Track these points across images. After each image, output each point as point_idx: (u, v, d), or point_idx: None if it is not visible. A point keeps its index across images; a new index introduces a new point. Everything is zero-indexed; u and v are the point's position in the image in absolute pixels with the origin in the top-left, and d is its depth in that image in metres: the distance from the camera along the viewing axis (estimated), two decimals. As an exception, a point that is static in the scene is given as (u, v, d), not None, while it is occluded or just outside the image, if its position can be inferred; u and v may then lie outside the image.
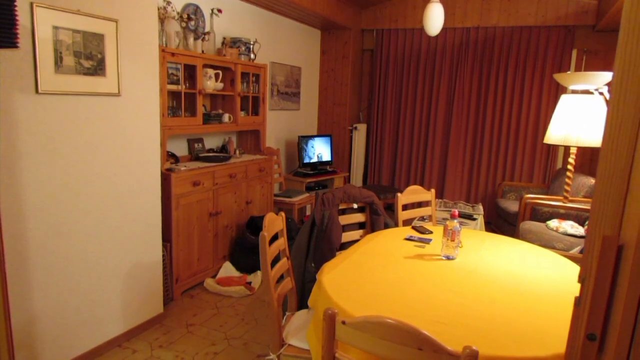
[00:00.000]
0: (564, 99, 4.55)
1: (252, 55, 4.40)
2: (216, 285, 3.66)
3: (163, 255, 3.25)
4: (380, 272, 2.03)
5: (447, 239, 2.25)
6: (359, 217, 2.84)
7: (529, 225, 4.38)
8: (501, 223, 5.36)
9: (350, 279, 1.93)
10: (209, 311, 3.31)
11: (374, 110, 6.47)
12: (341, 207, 2.75)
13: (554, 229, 4.26)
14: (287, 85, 5.57)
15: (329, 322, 1.23)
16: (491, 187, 5.99)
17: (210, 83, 3.84)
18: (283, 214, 2.26)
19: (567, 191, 4.65)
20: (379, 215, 2.82)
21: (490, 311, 1.70)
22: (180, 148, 3.99)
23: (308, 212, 5.25)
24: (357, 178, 6.47)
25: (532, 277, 2.08)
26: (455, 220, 2.25)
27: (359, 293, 1.81)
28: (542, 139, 5.68)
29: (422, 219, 3.91)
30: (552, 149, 5.65)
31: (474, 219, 4.19)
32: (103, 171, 2.60)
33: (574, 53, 5.52)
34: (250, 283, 3.74)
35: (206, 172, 3.65)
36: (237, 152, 4.33)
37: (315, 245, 2.57)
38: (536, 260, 2.31)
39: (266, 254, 1.92)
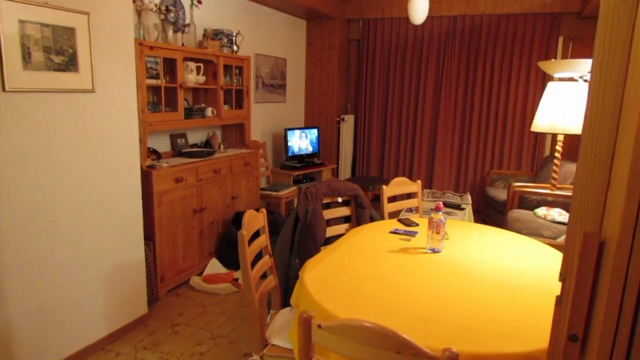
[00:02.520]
0: (550, 86, 4.52)
1: (234, 47, 4.31)
2: (202, 283, 3.60)
3: (146, 255, 3.19)
4: (364, 268, 1.99)
5: (432, 232, 2.21)
6: (344, 211, 2.80)
7: (517, 213, 4.37)
8: (490, 212, 5.35)
9: (333, 276, 1.89)
10: (195, 310, 3.26)
11: (361, 101, 6.41)
12: (325, 201, 2.70)
13: (542, 216, 4.25)
14: (273, 77, 5.49)
15: (304, 326, 1.19)
16: (480, 175, 5.98)
17: (191, 77, 3.76)
18: (264, 210, 2.20)
19: (554, 179, 4.64)
20: (365, 209, 2.77)
21: (475, 306, 1.66)
22: (162, 144, 3.91)
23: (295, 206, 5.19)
24: (345, 170, 6.42)
25: (519, 270, 2.04)
26: (440, 213, 2.21)
27: (341, 291, 1.76)
28: (530, 127, 5.66)
29: (410, 210, 3.87)
30: (540, 136, 5.64)
31: (462, 209, 4.16)
32: (79, 170, 2.53)
33: (560, 40, 5.48)
34: (237, 279, 3.69)
35: (189, 167, 3.58)
36: (222, 146, 4.26)
37: (300, 240, 2.52)
38: (523, 252, 2.28)
39: (245, 253, 1.87)
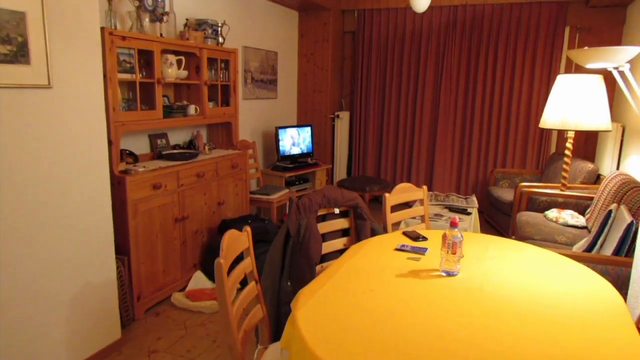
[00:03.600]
0: (560, 79, 4.20)
1: (220, 39, 3.95)
2: (185, 299, 3.26)
3: (119, 271, 2.84)
4: (368, 300, 1.65)
5: (447, 252, 1.88)
6: (342, 223, 2.46)
7: (526, 216, 4.06)
8: (494, 213, 5.04)
9: (331, 312, 1.55)
10: (175, 333, 2.91)
11: (356, 97, 6.06)
12: (320, 212, 2.36)
13: (554, 219, 3.94)
14: (263, 71, 5.13)
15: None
16: (482, 174, 5.66)
17: (171, 71, 3.40)
18: (248, 229, 1.86)
19: (564, 178, 4.33)
20: (365, 220, 2.44)
21: (508, 345, 1.33)
22: (140, 145, 3.55)
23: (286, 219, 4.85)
24: (340, 169, 6.08)
25: (552, 295, 1.72)
26: (457, 229, 1.88)
27: (341, 332, 1.43)
28: (535, 122, 5.34)
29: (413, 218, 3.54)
30: (546, 133, 5.33)
31: (469, 214, 3.84)
32: (35, 179, 2.17)
33: (567, 31, 5.16)
34: (223, 295, 3.34)
35: (169, 172, 3.22)
36: (207, 147, 3.90)
37: (291, 260, 2.18)
38: (552, 271, 1.95)
39: (224, 288, 1.54)
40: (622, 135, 4.49)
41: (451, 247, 1.87)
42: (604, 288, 1.81)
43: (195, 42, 3.60)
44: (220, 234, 3.60)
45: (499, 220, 4.91)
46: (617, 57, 1.88)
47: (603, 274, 2.64)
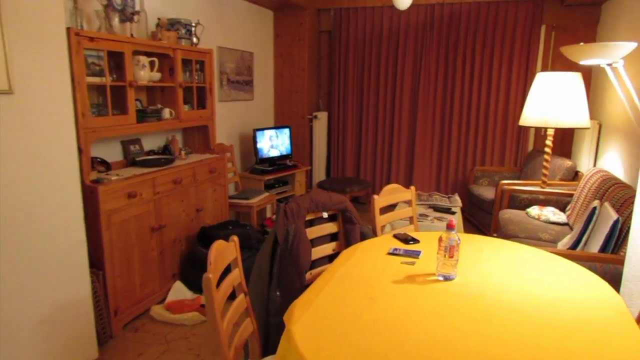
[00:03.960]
0: (540, 77, 4.22)
1: (194, 39, 3.80)
2: (165, 312, 3.10)
3: (94, 287, 2.67)
4: (367, 310, 1.56)
5: (445, 255, 1.80)
6: (331, 228, 2.36)
7: (508, 214, 4.05)
8: (476, 211, 5.03)
9: (328, 326, 1.45)
10: (156, 348, 2.76)
11: (334, 97, 5.98)
12: (308, 217, 2.26)
13: (536, 217, 3.94)
14: (238, 72, 4.99)
15: None
16: (462, 173, 5.66)
17: (144, 73, 3.24)
18: (236, 238, 1.75)
19: (545, 175, 4.35)
20: (354, 224, 2.35)
21: (517, 353, 1.26)
22: (112, 152, 3.38)
23: (268, 214, 4.73)
24: (319, 171, 5.99)
25: (553, 297, 1.66)
26: (454, 232, 1.81)
27: (341, 347, 1.33)
28: (513, 120, 5.37)
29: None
30: (524, 130, 5.36)
31: (453, 213, 3.80)
32: (-3, 192, 2.00)
33: (543, 29, 5.21)
34: (204, 306, 3.20)
35: (144, 179, 3.06)
36: (183, 152, 3.75)
37: (280, 268, 2.07)
38: (550, 272, 1.91)
39: (213, 304, 1.42)
40: (599, 133, 4.54)
41: (448, 250, 1.79)
42: (601, 287, 1.77)
43: (169, 43, 3.45)
44: (200, 242, 3.46)
45: (480, 219, 4.90)
46: (613, 53, 1.85)
47: (590, 271, 2.63)
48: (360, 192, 5.41)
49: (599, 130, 4.53)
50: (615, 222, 2.67)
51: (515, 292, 1.71)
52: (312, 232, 2.25)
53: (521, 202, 4.29)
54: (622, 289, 2.29)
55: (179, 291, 3.37)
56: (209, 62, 3.91)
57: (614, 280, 2.54)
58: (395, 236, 2.30)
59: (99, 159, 3.15)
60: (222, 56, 4.67)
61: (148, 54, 3.34)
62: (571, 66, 5.15)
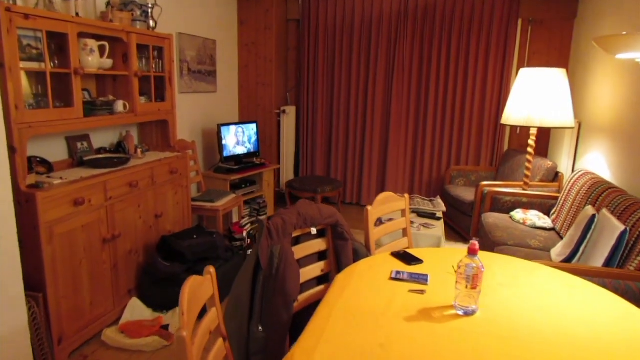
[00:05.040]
0: (523, 73, 4.03)
1: (151, 22, 3.35)
2: (119, 336, 2.68)
3: (32, 312, 2.23)
4: (382, 356, 1.24)
5: (466, 286, 1.51)
6: (319, 245, 2.03)
7: (493, 218, 3.84)
8: (454, 214, 4.82)
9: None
10: (108, 383, 2.35)
11: (303, 91, 5.62)
12: (294, 234, 1.92)
13: (521, 221, 3.75)
14: (200, 62, 4.54)
15: None
16: (436, 172, 5.44)
17: (92, 59, 2.78)
18: (212, 271, 1.38)
19: (527, 176, 4.18)
20: (347, 240, 2.02)
21: None
22: (55, 151, 2.90)
23: (235, 219, 4.34)
24: (287, 170, 5.63)
25: (589, 332, 1.40)
26: (476, 257, 1.52)
27: None
28: (489, 118, 5.19)
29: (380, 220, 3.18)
30: (500, 129, 5.19)
31: (438, 219, 3.55)
32: None
33: (519, 23, 5.04)
34: (167, 327, 2.81)
35: (94, 183, 2.62)
36: (139, 150, 3.30)
37: (263, 299, 1.72)
38: (576, 298, 1.65)
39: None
40: (578, 132, 4.42)
41: (471, 280, 1.50)
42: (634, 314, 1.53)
43: (122, 25, 2.99)
44: (160, 253, 3.04)
45: (459, 222, 4.70)
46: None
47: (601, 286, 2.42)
48: (332, 193, 5.10)
49: (579, 129, 4.41)
50: (623, 234, 2.48)
51: (548, 328, 1.44)
52: (298, 251, 1.91)
53: (504, 205, 4.11)
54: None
55: (136, 309, 2.95)
56: (168, 48, 3.47)
57: (626, 298, 2.34)
58: (393, 255, 1.99)
59: (38, 159, 2.68)
60: (182, 43, 4.21)
61: (97, 37, 2.88)
62: (548, 62, 5.02)
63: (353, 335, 1.37)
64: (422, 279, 1.77)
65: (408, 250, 2.05)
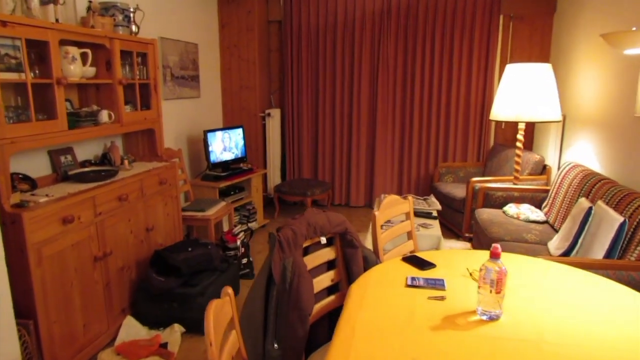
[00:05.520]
0: (509, 69, 4.03)
1: (133, 27, 3.23)
2: (116, 358, 2.56)
3: (24, 342, 2.10)
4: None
5: (491, 290, 1.46)
6: (328, 254, 1.96)
7: (486, 214, 3.84)
8: (445, 210, 4.80)
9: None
10: (109, 409, 2.23)
11: (287, 93, 5.54)
12: (304, 244, 1.84)
13: (515, 216, 3.76)
14: (183, 67, 4.42)
15: None
16: (424, 169, 5.43)
17: (74, 67, 2.65)
18: (231, 292, 1.30)
19: (517, 171, 4.19)
20: (356, 248, 1.96)
21: None
22: (38, 166, 2.76)
23: (225, 227, 4.23)
24: (274, 174, 5.54)
25: (616, 334, 1.38)
26: (499, 261, 1.47)
27: None
28: (475, 113, 5.21)
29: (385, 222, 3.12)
30: (486, 124, 5.21)
31: (434, 218, 3.52)
32: None
33: (501, 19, 5.06)
34: (166, 345, 2.70)
35: (82, 199, 2.49)
36: (126, 161, 3.18)
37: (277, 315, 1.64)
38: (597, 297, 1.63)
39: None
40: (563, 125, 4.46)
41: (495, 284, 1.45)
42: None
43: (104, 31, 2.87)
44: (154, 268, 2.92)
45: (451, 218, 4.69)
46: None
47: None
48: (322, 195, 5.04)
49: (564, 122, 4.45)
50: (622, 225, 2.48)
51: (575, 330, 1.41)
52: (309, 262, 1.84)
53: (496, 200, 4.11)
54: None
55: (131, 328, 2.83)
56: (152, 54, 3.35)
57: (631, 288, 2.34)
58: (404, 260, 1.94)
59: (20, 175, 2.54)
60: (164, 48, 4.09)
61: (79, 45, 2.74)
62: (529, 57, 5.06)
63: (382, 351, 1.31)
64: (439, 284, 1.72)
65: (418, 254, 2.00)
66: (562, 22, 4.68)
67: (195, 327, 2.86)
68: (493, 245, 1.49)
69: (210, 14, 5.03)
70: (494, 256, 1.48)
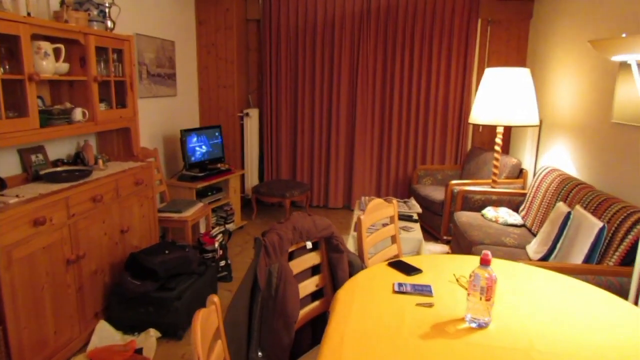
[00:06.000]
0: (488, 73, 4.08)
1: (109, 23, 3.12)
2: (89, 366, 2.47)
3: (-9, 350, 1.99)
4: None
5: (480, 297, 1.45)
6: (313, 259, 1.92)
7: (465, 217, 3.87)
8: (424, 213, 4.81)
9: None
10: (82, 420, 2.14)
11: (266, 93, 5.48)
12: (289, 249, 1.80)
13: (493, 219, 3.80)
14: (159, 64, 4.31)
15: None
16: (403, 171, 5.45)
17: (47, 63, 2.54)
18: (216, 300, 1.25)
19: (495, 174, 4.24)
20: (342, 253, 1.93)
21: None
22: (7, 165, 2.63)
23: (202, 229, 4.15)
24: (252, 174, 5.47)
25: (604, 341, 1.39)
26: (489, 268, 1.46)
27: None
28: (453, 116, 5.25)
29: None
30: (463, 127, 5.26)
31: (415, 221, 3.52)
32: None
33: (479, 23, 5.13)
34: (141, 351, 2.61)
35: (54, 200, 2.39)
36: (101, 161, 3.07)
37: (262, 322, 1.59)
38: (578, 302, 1.64)
39: None
40: (540, 129, 4.54)
41: (485, 291, 1.44)
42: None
43: (78, 26, 2.76)
44: (129, 271, 2.83)
45: (430, 221, 4.71)
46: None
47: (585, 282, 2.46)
48: (300, 197, 5.00)
49: (540, 127, 4.53)
50: (601, 230, 2.52)
51: (563, 337, 1.41)
52: (294, 267, 1.80)
53: (475, 203, 4.15)
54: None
55: (104, 333, 2.74)
56: (128, 51, 3.24)
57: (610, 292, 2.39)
58: (390, 265, 1.92)
59: (-12, 175, 2.42)
60: (140, 44, 3.97)
61: (52, 40, 2.63)
62: (506, 61, 5.13)
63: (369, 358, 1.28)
64: (426, 290, 1.71)
65: (403, 259, 1.98)
66: (539, 28, 4.77)
67: (171, 331, 2.79)
68: (483, 252, 1.48)
69: (187, 11, 4.93)
70: (484, 263, 1.47)
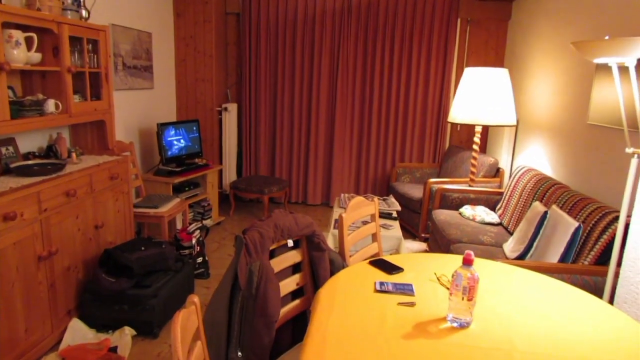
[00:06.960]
0: (468, 72, 4.12)
1: (84, 12, 3.02)
2: (60, 365, 2.39)
3: (-44, 351, 1.91)
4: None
5: (462, 298, 1.46)
6: (294, 257, 1.90)
7: (443, 215, 3.90)
8: (402, 211, 4.85)
9: None
10: (53, 422, 2.08)
11: (245, 87, 5.41)
12: (271, 247, 1.77)
13: (470, 217, 3.84)
14: (136, 56, 4.21)
15: None
16: (381, 169, 5.47)
17: (18, 53, 2.44)
18: (197, 300, 1.21)
19: (473, 173, 4.29)
20: (323, 251, 1.91)
21: None
22: (-26, 157, 2.53)
23: (179, 225, 4.07)
24: (230, 170, 5.40)
25: (584, 340, 1.41)
26: (472, 268, 1.47)
27: None
28: (431, 115, 5.29)
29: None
30: (442, 126, 5.31)
31: (395, 219, 3.53)
32: None
33: (459, 22, 5.17)
34: (115, 349, 2.55)
35: (25, 194, 2.31)
36: (74, 154, 2.98)
37: (242, 321, 1.57)
38: (561, 303, 1.66)
39: None
40: (516, 129, 4.61)
41: (467, 291, 1.45)
42: (623, 319, 1.57)
43: (51, 15, 2.66)
44: (103, 268, 2.75)
45: (408, 219, 4.74)
46: (631, 50, 1.61)
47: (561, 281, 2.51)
48: (279, 193, 4.97)
49: (517, 127, 4.60)
50: (577, 230, 2.57)
51: (543, 337, 1.43)
52: (275, 265, 1.77)
53: (453, 202, 4.19)
54: (616, 298, 2.17)
55: (77, 331, 2.66)
56: (104, 41, 3.15)
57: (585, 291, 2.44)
58: (372, 264, 1.92)
59: (-46, 168, 2.31)
60: (116, 36, 3.87)
61: (23, 28, 2.53)
62: (485, 61, 5.19)
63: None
64: (407, 289, 1.71)
65: (384, 257, 1.98)
66: (516, 29, 4.84)
67: (146, 329, 2.73)
68: (466, 252, 1.48)
69: (165, 3, 4.82)
70: (467, 262, 1.47)
